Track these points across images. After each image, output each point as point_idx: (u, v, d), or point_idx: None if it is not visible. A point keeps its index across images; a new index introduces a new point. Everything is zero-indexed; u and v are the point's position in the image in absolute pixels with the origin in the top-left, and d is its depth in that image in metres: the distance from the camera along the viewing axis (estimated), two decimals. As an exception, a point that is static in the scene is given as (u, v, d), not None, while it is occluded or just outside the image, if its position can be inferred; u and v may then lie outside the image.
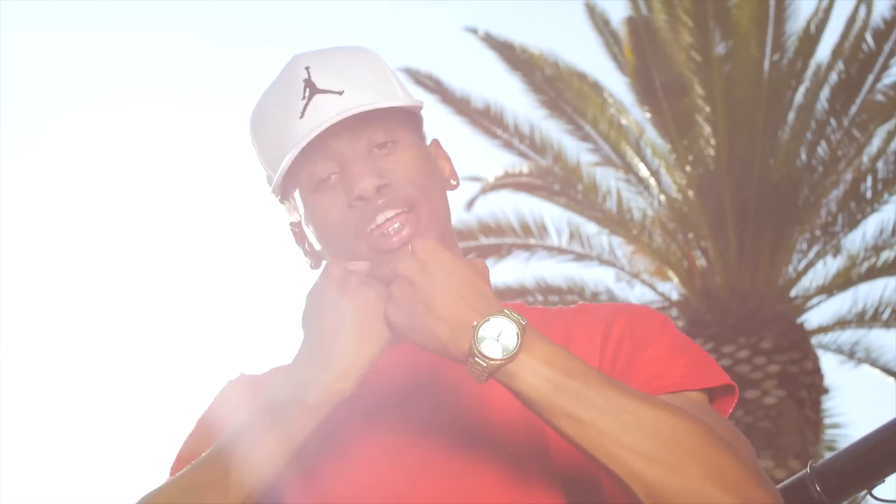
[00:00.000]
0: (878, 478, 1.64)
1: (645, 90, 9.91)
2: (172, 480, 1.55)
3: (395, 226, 1.62)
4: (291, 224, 1.75)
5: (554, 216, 10.62)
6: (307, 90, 1.66)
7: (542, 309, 1.78)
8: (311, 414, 1.53)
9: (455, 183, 1.75)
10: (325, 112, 1.63)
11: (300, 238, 1.75)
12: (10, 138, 16.37)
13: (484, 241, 10.42)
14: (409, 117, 1.72)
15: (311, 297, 1.58)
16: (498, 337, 1.46)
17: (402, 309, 1.51)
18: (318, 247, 1.70)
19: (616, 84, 10.88)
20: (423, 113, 1.75)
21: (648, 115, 10.08)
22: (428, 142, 1.75)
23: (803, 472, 1.71)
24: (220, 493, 1.51)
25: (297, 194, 1.69)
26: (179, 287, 17.21)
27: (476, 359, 1.46)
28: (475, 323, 1.47)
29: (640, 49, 9.71)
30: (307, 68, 1.68)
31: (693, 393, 1.62)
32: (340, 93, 1.65)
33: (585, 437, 1.45)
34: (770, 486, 1.47)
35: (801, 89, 10.16)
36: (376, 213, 1.62)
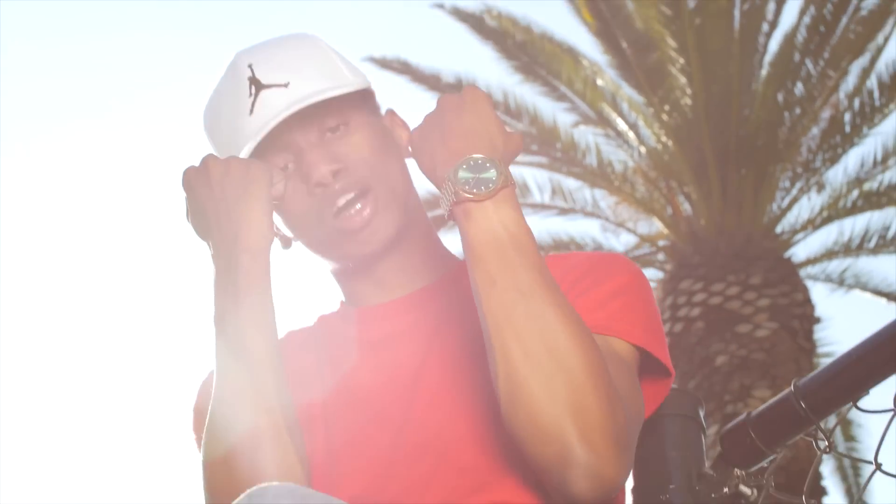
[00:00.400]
0: (862, 390, 1.59)
1: (612, 49, 10.02)
2: (210, 418, 1.54)
3: (357, 206, 1.64)
4: None
5: (536, 176, 10.54)
6: (252, 87, 1.66)
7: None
8: (252, 256, 1.59)
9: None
10: (274, 106, 1.65)
11: None
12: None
13: (465, 204, 10.35)
14: (359, 96, 1.72)
15: (189, 216, 1.66)
16: (478, 176, 1.48)
17: (422, 132, 1.57)
18: (288, 233, 1.73)
19: (590, 49, 10.84)
20: (385, 91, 1.75)
21: (618, 70, 10.14)
22: (383, 112, 1.76)
23: (788, 390, 1.64)
24: (255, 390, 1.52)
25: None
26: (178, 287, 17.36)
27: (448, 183, 1.49)
28: (466, 156, 1.50)
29: (597, 10, 9.87)
30: (250, 66, 1.68)
31: (617, 341, 1.57)
32: (286, 85, 1.66)
33: (490, 299, 1.44)
34: (626, 453, 1.42)
35: (776, 35, 10.21)
36: (336, 197, 1.64)
